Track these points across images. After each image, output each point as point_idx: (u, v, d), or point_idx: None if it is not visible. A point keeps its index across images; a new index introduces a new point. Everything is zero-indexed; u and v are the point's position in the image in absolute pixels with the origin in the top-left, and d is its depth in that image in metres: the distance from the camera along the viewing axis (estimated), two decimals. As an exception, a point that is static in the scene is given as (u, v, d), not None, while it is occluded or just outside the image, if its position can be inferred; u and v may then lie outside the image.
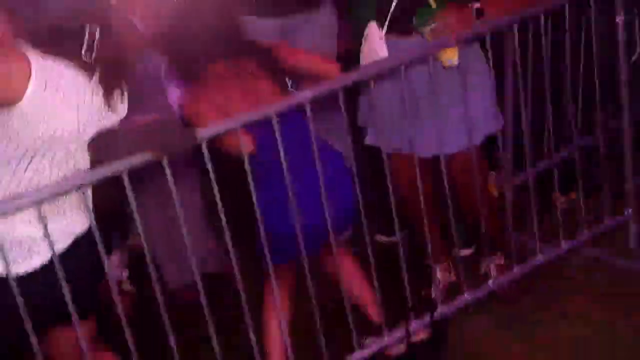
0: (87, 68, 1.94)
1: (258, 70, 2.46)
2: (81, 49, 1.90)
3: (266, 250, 2.28)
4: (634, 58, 2.96)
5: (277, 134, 2.22)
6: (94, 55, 1.91)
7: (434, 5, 2.58)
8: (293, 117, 2.31)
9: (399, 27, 2.66)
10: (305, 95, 2.30)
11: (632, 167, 3.08)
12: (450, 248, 2.99)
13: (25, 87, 1.83)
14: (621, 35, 2.86)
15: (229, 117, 2.27)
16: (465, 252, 3.06)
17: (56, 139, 1.94)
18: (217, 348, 2.25)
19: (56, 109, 1.91)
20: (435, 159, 2.73)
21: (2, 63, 1.83)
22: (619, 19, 2.82)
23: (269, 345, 2.58)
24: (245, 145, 2.22)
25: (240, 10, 2.81)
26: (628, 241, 3.11)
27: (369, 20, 2.72)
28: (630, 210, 3.07)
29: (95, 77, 1.97)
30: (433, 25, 2.55)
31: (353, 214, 2.50)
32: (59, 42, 1.90)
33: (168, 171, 2.10)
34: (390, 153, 2.74)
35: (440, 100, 2.59)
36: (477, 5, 2.55)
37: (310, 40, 3.36)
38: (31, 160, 1.95)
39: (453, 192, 2.81)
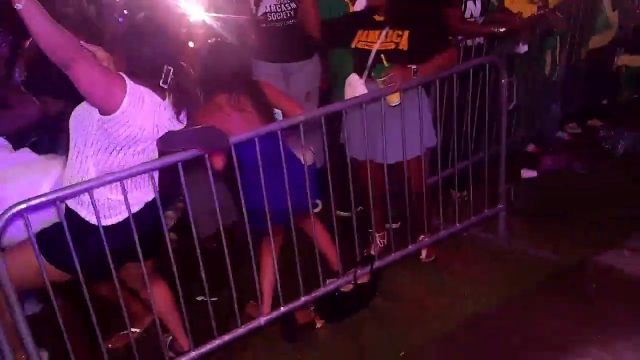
0: (162, 92, 2.28)
1: (250, 106, 2.72)
2: (160, 80, 2.25)
3: (248, 223, 2.64)
4: (511, 106, 3.42)
5: (257, 149, 2.55)
6: (168, 84, 2.26)
7: (386, 64, 2.93)
8: (272, 136, 2.62)
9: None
10: (299, 118, 2.69)
11: (505, 175, 3.50)
12: (385, 222, 3.40)
13: (122, 100, 2.13)
14: (504, 91, 3.29)
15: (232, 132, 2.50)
16: (395, 225, 3.39)
17: (139, 138, 2.24)
18: (231, 278, 2.64)
19: (140, 118, 2.20)
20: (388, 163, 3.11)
21: (108, 80, 2.11)
22: (504, 81, 3.27)
23: (263, 279, 2.98)
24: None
25: (250, 54, 3.12)
26: (498, 225, 3.57)
27: (350, 72, 3.08)
28: (501, 205, 3.54)
29: (168, 99, 2.30)
30: (384, 78, 2.89)
31: (305, 198, 2.79)
32: (147, 74, 2.24)
33: (208, 162, 2.47)
34: (356, 158, 3.11)
35: (388, 125, 2.96)
36: (414, 67, 2.94)
37: (302, 82, 3.78)
38: (121, 150, 2.23)
39: (395, 186, 3.20)
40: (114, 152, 2.23)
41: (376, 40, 3.03)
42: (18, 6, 1.84)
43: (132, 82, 2.18)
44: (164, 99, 2.30)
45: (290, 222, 2.81)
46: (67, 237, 2.19)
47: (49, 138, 2.94)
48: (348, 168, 2.99)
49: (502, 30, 3.66)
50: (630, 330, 2.79)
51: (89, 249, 2.28)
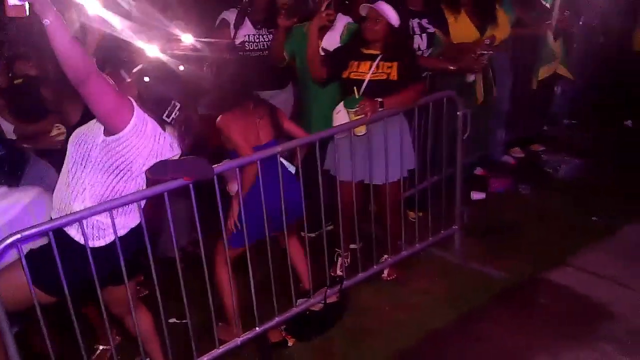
0: (163, 124, 2.39)
1: (266, 115, 3.03)
2: (164, 113, 2.36)
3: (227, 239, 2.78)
4: (465, 136, 3.55)
5: (259, 171, 2.81)
6: (172, 118, 2.38)
7: (357, 96, 3.19)
8: (272, 157, 2.86)
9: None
10: (297, 142, 3.01)
11: (460, 198, 3.75)
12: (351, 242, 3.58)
13: (129, 122, 2.22)
14: (460, 122, 3.56)
15: (245, 137, 2.89)
16: (358, 245, 3.53)
17: (136, 163, 2.32)
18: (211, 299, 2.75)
19: (141, 142, 2.29)
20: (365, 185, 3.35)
21: (119, 100, 2.21)
22: (460, 113, 3.54)
23: (226, 297, 3.02)
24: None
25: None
26: (454, 244, 3.83)
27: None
28: (456, 225, 3.80)
29: (169, 130, 2.41)
30: (356, 108, 3.13)
31: (299, 210, 3.01)
32: (154, 106, 2.35)
33: (192, 189, 2.58)
34: (343, 181, 3.32)
35: (378, 149, 3.25)
36: (380, 100, 3.18)
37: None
38: (118, 175, 2.30)
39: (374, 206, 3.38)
40: (111, 176, 2.30)
41: (367, 71, 3.26)
42: (46, 22, 1.91)
43: (138, 107, 2.29)
44: (164, 129, 2.40)
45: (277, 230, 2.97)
46: (56, 263, 2.25)
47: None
48: (320, 191, 3.13)
49: (455, 68, 3.94)
50: (575, 343, 3.03)
51: (76, 269, 2.34)
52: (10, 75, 3.71)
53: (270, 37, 3.93)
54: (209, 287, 2.79)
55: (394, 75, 3.26)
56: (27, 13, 1.89)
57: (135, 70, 2.46)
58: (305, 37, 3.53)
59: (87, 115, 2.37)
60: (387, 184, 3.38)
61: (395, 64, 3.27)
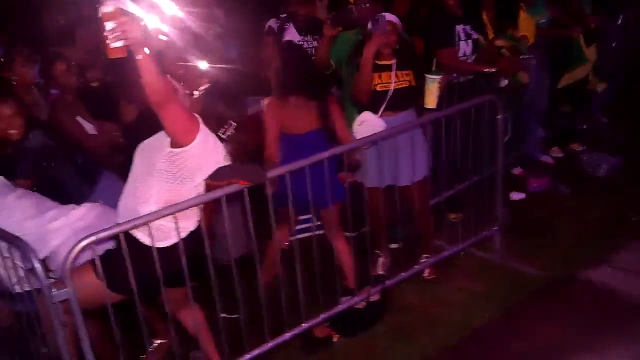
0: (219, 139, 2.53)
1: (313, 107, 3.17)
2: (221, 131, 2.52)
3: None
4: (506, 138, 3.69)
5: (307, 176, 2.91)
6: (227, 135, 2.53)
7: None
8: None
9: (391, 108, 3.41)
10: (343, 149, 3.12)
11: (500, 199, 3.77)
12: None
13: (195, 137, 2.38)
14: (500, 126, 3.61)
15: (286, 126, 3.07)
16: (397, 246, 3.73)
17: (199, 172, 2.48)
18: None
19: (205, 154, 2.46)
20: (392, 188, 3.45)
21: (190, 120, 2.38)
22: (499, 117, 3.59)
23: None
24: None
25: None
26: (493, 243, 3.84)
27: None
28: (497, 226, 3.81)
29: (225, 145, 2.55)
30: (439, 77, 3.37)
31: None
32: (214, 124, 2.50)
33: (247, 196, 2.71)
34: (368, 186, 3.40)
35: (405, 147, 3.37)
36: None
37: None
38: (181, 182, 2.44)
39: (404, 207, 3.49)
40: (174, 184, 2.46)
41: (390, 81, 3.38)
42: (139, 57, 2.12)
43: (202, 124, 2.46)
44: (221, 143, 2.57)
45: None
46: (122, 264, 2.42)
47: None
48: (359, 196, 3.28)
49: (493, 70, 4.01)
50: (618, 341, 3.07)
51: (140, 269, 2.48)
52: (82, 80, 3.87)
53: (315, 43, 4.06)
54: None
55: (412, 82, 3.46)
56: (126, 53, 2.11)
57: (202, 88, 2.62)
58: (349, 43, 3.63)
59: (141, 118, 2.56)
60: (413, 185, 3.50)
61: (410, 71, 3.46)
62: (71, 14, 5.21)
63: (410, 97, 3.45)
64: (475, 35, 4.14)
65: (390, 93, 3.40)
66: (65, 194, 3.02)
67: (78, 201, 2.94)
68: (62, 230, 2.72)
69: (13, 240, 2.40)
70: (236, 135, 2.57)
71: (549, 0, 4.91)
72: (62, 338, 2.38)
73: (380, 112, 3.43)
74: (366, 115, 3.40)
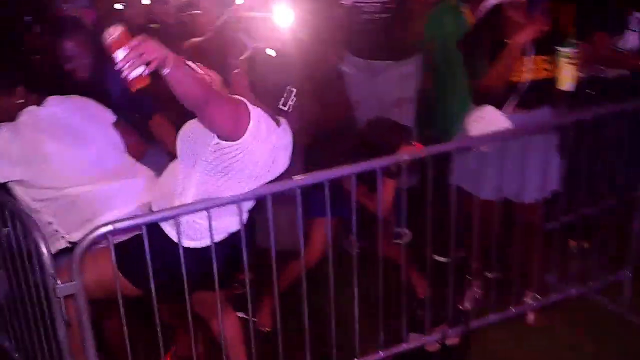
0: (278, 113, 2.28)
1: None
2: (279, 102, 2.26)
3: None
4: None
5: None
6: (289, 105, 2.26)
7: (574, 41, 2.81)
8: None
9: (525, 105, 2.85)
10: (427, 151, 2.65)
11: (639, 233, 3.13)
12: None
13: (246, 129, 2.17)
14: None
15: None
16: (493, 275, 3.05)
17: (250, 164, 2.24)
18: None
19: (257, 145, 2.23)
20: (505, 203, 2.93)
21: (236, 111, 2.16)
22: None
23: None
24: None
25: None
26: (622, 290, 3.20)
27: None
28: (628, 270, 3.18)
29: (283, 122, 2.30)
30: (570, 51, 2.78)
31: None
32: (270, 96, 2.25)
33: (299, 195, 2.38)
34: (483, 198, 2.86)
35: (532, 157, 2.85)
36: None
37: (393, 85, 3.74)
38: (227, 175, 2.23)
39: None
40: (219, 175, 2.26)
41: (525, 69, 2.82)
42: (165, 71, 1.93)
43: (253, 108, 2.22)
44: (277, 122, 2.31)
45: None
46: (146, 254, 2.20)
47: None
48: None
49: None
50: None
51: (166, 265, 2.29)
52: None
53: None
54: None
55: (553, 71, 2.85)
56: (149, 80, 1.94)
57: (242, 58, 2.32)
58: (450, 13, 3.25)
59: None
60: (529, 204, 2.98)
61: (551, 56, 2.86)
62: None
63: (550, 92, 2.84)
64: None
65: (524, 85, 2.80)
66: None
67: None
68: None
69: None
70: (300, 104, 2.28)
71: None
72: (63, 335, 2.18)
73: (508, 108, 2.84)
74: (487, 111, 2.84)
